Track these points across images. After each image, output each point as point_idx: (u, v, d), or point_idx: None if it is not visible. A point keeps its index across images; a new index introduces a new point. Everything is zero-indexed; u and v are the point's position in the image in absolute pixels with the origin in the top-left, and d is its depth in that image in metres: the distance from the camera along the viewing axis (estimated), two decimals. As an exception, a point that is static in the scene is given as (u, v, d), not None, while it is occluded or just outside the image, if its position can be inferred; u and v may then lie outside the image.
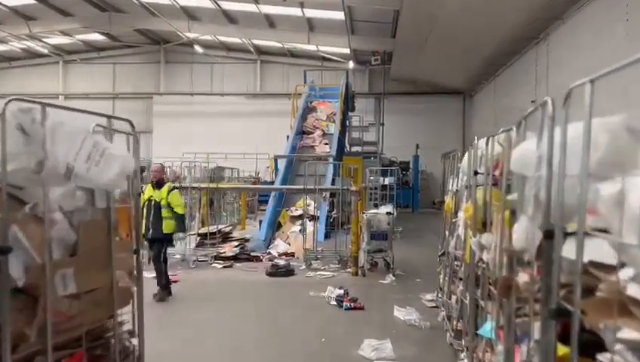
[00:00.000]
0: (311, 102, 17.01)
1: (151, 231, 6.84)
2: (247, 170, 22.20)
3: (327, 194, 10.97)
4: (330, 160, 13.13)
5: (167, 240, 7.09)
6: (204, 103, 24.58)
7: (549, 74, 13.69)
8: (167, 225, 6.89)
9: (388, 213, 7.77)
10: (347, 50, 21.05)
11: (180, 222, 7.11)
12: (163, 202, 6.91)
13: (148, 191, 7.01)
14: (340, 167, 10.80)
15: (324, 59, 23.24)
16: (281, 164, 14.02)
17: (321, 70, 22.48)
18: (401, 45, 18.10)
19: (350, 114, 19.49)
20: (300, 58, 23.98)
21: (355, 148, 21.27)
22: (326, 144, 15.15)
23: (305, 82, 18.96)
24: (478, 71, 19.45)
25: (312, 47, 21.94)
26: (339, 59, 22.54)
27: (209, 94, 24.64)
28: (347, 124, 18.96)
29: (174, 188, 7.33)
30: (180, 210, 7.03)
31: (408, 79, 22.75)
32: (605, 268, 1.64)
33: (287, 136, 15.51)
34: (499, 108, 18.87)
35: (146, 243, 7.06)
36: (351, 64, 21.96)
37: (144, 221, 6.68)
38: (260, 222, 12.11)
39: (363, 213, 8.27)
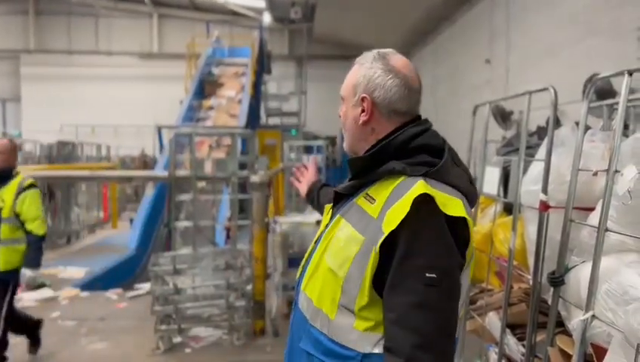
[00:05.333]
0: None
1: None
2: (138, 147, 18.37)
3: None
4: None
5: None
6: (87, 65, 19.98)
7: (509, 28, 11.06)
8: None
9: (319, 223, 4.60)
10: (262, 2, 17.47)
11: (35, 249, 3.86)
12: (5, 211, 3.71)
13: None
14: (253, 141, 7.32)
15: (235, 14, 19.46)
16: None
17: (231, 25, 18.72)
18: (326, -6, 14.86)
19: (266, 78, 16.06)
20: (205, 12, 20.01)
21: (272, 121, 17.97)
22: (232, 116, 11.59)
23: (208, 32, 15.11)
24: (415, 28, 16.63)
25: (220, -1, 18.14)
26: (252, 14, 18.85)
27: (93, 53, 20.05)
28: (262, 89, 15.52)
29: (31, 185, 3.89)
30: (36, 228, 3.81)
31: (334, 40, 19.60)
32: None
33: (181, 101, 11.83)
34: (439, 73, 16.23)
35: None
36: (267, 18, 18.37)
37: None
38: (132, 220, 8.57)
39: (275, 221, 5.05)
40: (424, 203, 1.16)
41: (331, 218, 1.38)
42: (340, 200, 1.39)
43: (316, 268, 1.33)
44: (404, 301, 1.15)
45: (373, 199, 1.25)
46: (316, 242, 1.41)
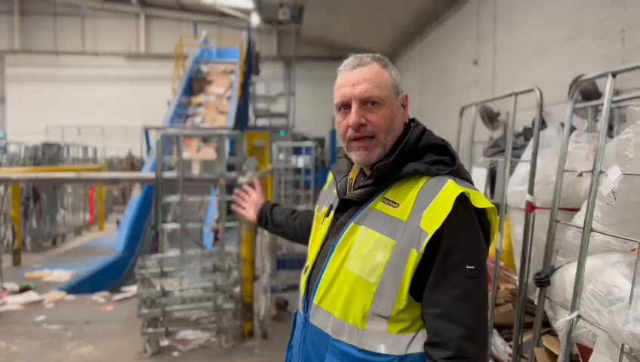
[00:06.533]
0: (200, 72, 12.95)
1: None
2: (125, 148, 18.26)
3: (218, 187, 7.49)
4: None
5: None
6: (73, 66, 19.79)
7: (496, 30, 11.14)
8: None
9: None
10: (250, 3, 17.44)
11: None
12: None
13: None
14: (241, 142, 7.25)
15: (223, 14, 19.39)
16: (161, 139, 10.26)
17: (219, 26, 18.64)
18: (314, -5, 14.84)
19: (255, 79, 16.02)
20: (193, 13, 19.92)
21: (261, 122, 17.94)
22: (221, 113, 11.60)
23: (195, 33, 15.02)
24: (403, 29, 16.68)
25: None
26: (240, 15, 18.79)
27: (79, 54, 19.87)
28: (250, 90, 15.48)
29: None
30: None
31: (322, 41, 19.59)
32: None
33: (168, 103, 11.73)
34: (427, 74, 16.30)
35: None
36: (255, 19, 18.32)
37: None
38: (119, 222, 8.49)
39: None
40: (462, 201, 1.20)
41: (339, 227, 1.33)
42: (348, 208, 1.34)
43: (334, 280, 1.28)
44: (449, 294, 1.18)
45: (395, 203, 1.25)
46: (319, 253, 1.37)
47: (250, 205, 2.06)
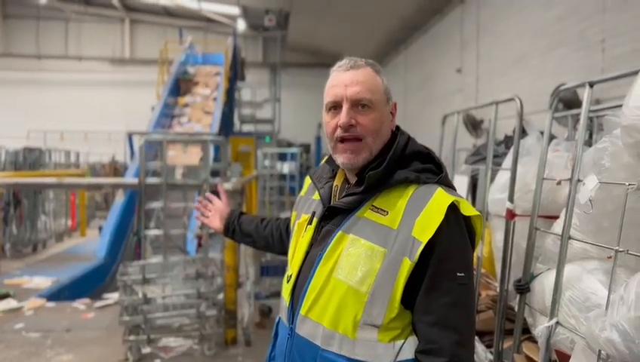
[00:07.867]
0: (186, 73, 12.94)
1: None
2: (108, 153, 18.07)
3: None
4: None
5: None
6: (56, 70, 19.56)
7: (479, 39, 11.27)
8: None
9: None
10: (236, 10, 17.43)
11: None
12: None
13: None
14: (225, 148, 7.14)
15: (209, 20, 19.35)
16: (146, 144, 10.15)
17: (204, 32, 18.57)
18: (299, 2, 14.88)
19: (240, 85, 15.99)
20: (178, 18, 19.85)
21: (246, 128, 17.90)
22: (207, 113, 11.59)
23: (181, 38, 14.94)
24: (388, 37, 16.82)
25: (193, 5, 17.99)
26: (226, 21, 18.77)
27: (62, 58, 19.66)
28: (235, 96, 15.45)
29: None
30: None
31: (308, 48, 19.68)
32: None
33: (152, 108, 11.64)
34: (411, 81, 16.42)
35: None
36: (241, 25, 18.31)
37: None
38: (101, 228, 8.40)
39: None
40: (453, 209, 1.21)
41: (325, 236, 1.31)
42: (334, 215, 1.32)
43: (323, 290, 1.26)
44: (442, 302, 1.18)
45: (384, 211, 1.24)
46: (303, 262, 1.34)
47: (214, 214, 1.96)
